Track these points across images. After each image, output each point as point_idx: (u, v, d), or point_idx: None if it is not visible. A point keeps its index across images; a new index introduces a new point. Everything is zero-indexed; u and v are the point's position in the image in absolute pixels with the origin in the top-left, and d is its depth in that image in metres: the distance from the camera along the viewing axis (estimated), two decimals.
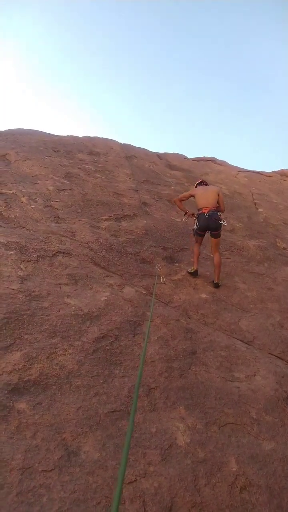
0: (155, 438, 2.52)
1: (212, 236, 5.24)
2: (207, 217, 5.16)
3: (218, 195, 5.44)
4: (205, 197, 5.38)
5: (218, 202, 5.40)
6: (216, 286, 5.19)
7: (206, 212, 5.19)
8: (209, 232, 5.24)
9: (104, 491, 2.08)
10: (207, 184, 5.93)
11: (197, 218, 5.33)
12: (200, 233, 5.31)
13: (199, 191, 5.52)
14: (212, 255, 5.48)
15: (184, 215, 5.74)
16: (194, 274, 5.29)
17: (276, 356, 4.00)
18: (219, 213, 5.26)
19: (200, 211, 5.31)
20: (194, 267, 5.30)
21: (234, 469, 2.41)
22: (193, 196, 5.58)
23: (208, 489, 2.24)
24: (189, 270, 5.34)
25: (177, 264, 5.55)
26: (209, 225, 5.16)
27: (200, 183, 5.94)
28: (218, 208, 5.36)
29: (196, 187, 5.89)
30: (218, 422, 2.78)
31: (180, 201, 5.69)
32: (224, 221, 5.23)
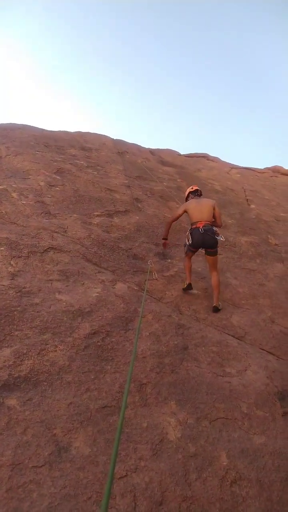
0: (146, 433, 2.52)
1: (208, 254, 4.72)
2: (202, 233, 4.59)
3: (214, 209, 4.93)
4: (199, 210, 4.87)
5: (214, 216, 4.91)
6: (216, 310, 4.56)
7: (201, 227, 4.64)
8: (204, 250, 4.74)
9: (94, 486, 2.08)
10: (201, 194, 5.37)
11: (190, 233, 4.74)
12: (193, 250, 4.77)
13: (192, 204, 4.99)
14: (210, 274, 4.90)
15: (163, 239, 5.32)
16: (188, 288, 4.69)
17: (267, 351, 4.02)
18: (215, 228, 4.75)
19: (194, 226, 4.74)
20: (187, 281, 4.71)
21: (224, 463, 2.42)
22: (186, 211, 5.04)
23: (198, 483, 2.25)
24: (183, 287, 4.75)
25: (169, 260, 5.55)
26: (205, 241, 4.60)
27: (195, 192, 5.35)
28: (213, 223, 4.85)
29: (188, 196, 5.41)
30: (209, 417, 2.80)
31: (173, 221, 5.26)
32: (221, 236, 4.73)
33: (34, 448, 2.19)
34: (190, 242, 4.69)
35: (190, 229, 4.82)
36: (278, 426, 2.87)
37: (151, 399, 2.84)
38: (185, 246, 4.91)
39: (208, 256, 4.74)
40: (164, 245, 5.36)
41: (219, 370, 3.41)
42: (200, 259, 5.82)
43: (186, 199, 5.47)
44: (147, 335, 3.58)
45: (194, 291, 4.85)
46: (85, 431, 2.41)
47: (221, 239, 4.69)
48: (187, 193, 5.50)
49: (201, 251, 5.00)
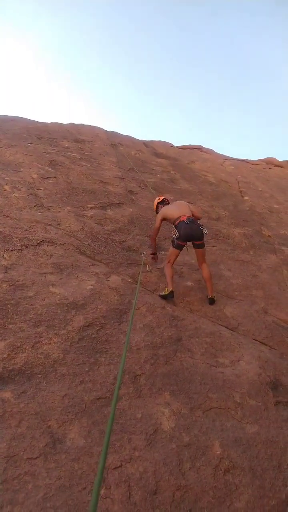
0: (140, 423, 2.54)
1: (196, 247, 4.67)
2: (188, 223, 4.54)
3: (189, 206, 5.00)
4: (177, 209, 4.91)
5: (192, 212, 4.88)
6: (212, 302, 4.55)
7: (185, 219, 4.59)
8: (192, 243, 4.67)
9: (89, 477, 2.10)
10: (168, 203, 5.43)
11: (175, 227, 4.67)
12: (181, 243, 4.59)
13: (167, 208, 5.06)
14: (199, 267, 4.87)
15: (152, 254, 5.23)
16: (170, 296, 4.34)
17: (260, 342, 4.06)
18: (199, 221, 4.76)
19: (178, 220, 4.68)
20: (170, 288, 4.37)
21: (218, 452, 2.46)
22: (164, 218, 5.02)
23: (192, 473, 2.28)
24: (162, 293, 4.39)
25: (163, 253, 5.55)
26: (193, 231, 4.54)
27: (162, 202, 5.43)
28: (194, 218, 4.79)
29: (157, 207, 5.42)
30: (202, 406, 2.83)
31: (157, 235, 5.16)
32: (205, 229, 4.66)
33: (29, 440, 2.20)
34: (177, 235, 4.58)
35: (174, 225, 4.76)
36: (270, 415, 2.91)
37: (145, 390, 2.86)
38: (172, 241, 4.73)
39: (197, 249, 4.71)
40: (153, 259, 5.22)
41: (213, 360, 3.44)
42: (192, 251, 5.82)
43: (156, 211, 5.47)
44: (141, 327, 3.60)
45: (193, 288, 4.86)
46: (79, 422, 2.42)
47: (205, 232, 4.64)
48: (155, 204, 5.51)
49: (185, 251, 4.92)
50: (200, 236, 4.59)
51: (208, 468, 2.34)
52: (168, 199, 5.64)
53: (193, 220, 4.65)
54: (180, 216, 4.71)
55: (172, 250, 4.68)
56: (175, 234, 4.64)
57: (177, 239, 4.59)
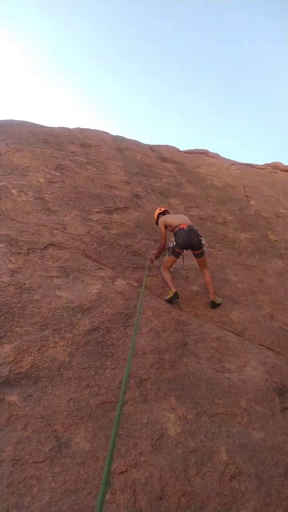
0: (146, 428, 2.53)
1: (196, 256, 4.69)
2: (188, 231, 4.55)
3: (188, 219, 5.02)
4: (178, 217, 4.98)
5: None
6: (214, 305, 4.55)
7: (185, 227, 4.61)
8: (192, 252, 4.69)
9: (95, 481, 2.09)
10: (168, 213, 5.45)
11: (174, 234, 4.70)
12: (178, 251, 4.60)
13: (169, 216, 5.13)
14: (201, 273, 4.86)
15: (152, 254, 5.21)
16: (175, 297, 4.34)
17: (266, 347, 4.04)
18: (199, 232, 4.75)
19: (178, 228, 4.70)
20: (173, 290, 4.36)
21: (224, 458, 2.44)
22: (165, 225, 5.03)
23: (198, 478, 2.27)
24: (167, 297, 4.39)
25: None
26: (191, 239, 4.54)
27: (163, 213, 5.43)
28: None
29: (158, 217, 5.41)
30: (208, 412, 2.81)
31: (165, 242, 5.05)
32: (203, 239, 4.67)
33: (35, 443, 2.20)
34: (175, 243, 4.60)
35: (173, 232, 4.78)
36: (277, 422, 2.89)
37: (151, 394, 2.85)
38: (168, 249, 4.73)
39: (197, 258, 4.72)
40: (151, 259, 5.19)
41: (219, 366, 3.43)
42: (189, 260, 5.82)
43: (156, 222, 5.47)
44: (147, 331, 3.59)
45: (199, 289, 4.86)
46: (85, 426, 2.42)
47: (203, 242, 4.63)
48: (156, 215, 5.51)
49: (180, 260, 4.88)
50: (199, 246, 4.60)
51: (214, 474, 2.32)
52: (169, 211, 5.62)
53: (193, 229, 4.67)
54: (180, 224, 4.74)
55: (168, 258, 4.69)
56: (173, 242, 4.66)
57: (174, 246, 4.59)
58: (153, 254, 5.19)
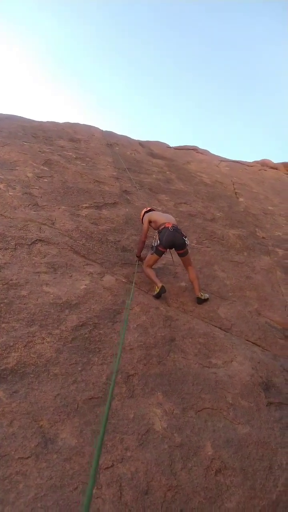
0: (132, 423, 2.54)
1: (180, 255, 4.70)
2: (172, 231, 4.56)
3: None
4: (163, 216, 4.98)
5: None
6: (200, 301, 4.59)
7: (170, 226, 4.62)
8: (175, 251, 4.70)
9: (81, 477, 2.10)
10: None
11: (159, 233, 4.70)
12: (161, 250, 4.58)
13: (155, 213, 5.08)
14: (186, 270, 4.86)
15: (137, 257, 5.08)
16: (163, 291, 4.35)
17: (253, 343, 4.08)
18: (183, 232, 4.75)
19: (162, 227, 4.70)
20: (158, 284, 4.38)
21: (209, 453, 2.46)
22: (150, 221, 5.01)
23: (184, 473, 2.29)
24: (154, 292, 4.42)
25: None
26: (175, 240, 4.54)
27: (149, 211, 5.33)
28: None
29: (143, 215, 5.30)
30: (195, 407, 2.83)
31: (145, 239, 5.05)
32: (187, 239, 4.68)
33: (21, 439, 2.20)
34: (159, 242, 4.58)
35: (158, 231, 4.76)
36: (262, 416, 2.93)
37: (138, 390, 2.86)
38: (152, 248, 4.72)
39: (181, 257, 4.72)
40: (141, 260, 5.12)
41: (206, 361, 3.45)
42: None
43: (142, 221, 5.35)
44: (135, 327, 3.60)
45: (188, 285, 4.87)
46: (71, 422, 2.42)
47: (187, 242, 4.63)
48: (142, 214, 5.42)
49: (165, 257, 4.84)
50: (182, 245, 4.59)
51: (199, 468, 2.34)
52: (156, 210, 5.56)
53: (177, 229, 4.66)
54: (165, 223, 4.73)
55: (150, 256, 4.66)
56: (157, 241, 4.63)
57: (158, 245, 4.58)
58: (137, 257, 5.11)
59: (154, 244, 4.70)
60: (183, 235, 4.65)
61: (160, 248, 4.58)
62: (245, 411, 2.93)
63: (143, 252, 5.25)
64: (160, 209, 5.36)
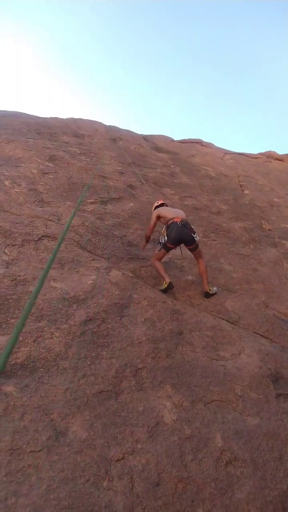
0: (142, 416, 2.56)
1: (190, 250, 4.65)
2: (181, 226, 4.45)
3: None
4: (172, 211, 4.90)
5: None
6: (207, 295, 4.54)
7: (178, 221, 4.50)
8: (186, 246, 4.63)
9: (92, 469, 2.12)
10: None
11: (167, 229, 4.60)
12: (170, 246, 4.52)
13: (164, 208, 5.04)
14: (196, 262, 4.81)
15: (142, 247, 5.19)
16: (170, 287, 4.33)
17: (261, 335, 4.07)
18: (192, 226, 4.67)
19: (171, 221, 4.59)
20: (166, 280, 4.34)
21: (219, 444, 2.47)
22: (158, 216, 4.99)
23: (194, 464, 2.30)
24: (161, 287, 4.39)
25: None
26: (183, 235, 4.45)
27: (160, 205, 5.37)
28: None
29: (154, 209, 5.33)
30: (204, 399, 2.84)
31: (151, 233, 5.08)
32: (197, 235, 4.58)
33: (32, 433, 2.22)
34: (167, 238, 4.51)
35: (166, 226, 4.67)
36: (271, 408, 2.93)
37: (147, 383, 2.88)
38: (159, 244, 4.67)
39: (192, 252, 4.67)
40: (144, 246, 5.21)
41: (214, 354, 3.46)
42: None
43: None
44: (142, 321, 3.61)
45: (193, 278, 4.87)
46: (82, 415, 2.44)
47: (196, 238, 4.55)
48: (154, 207, 5.45)
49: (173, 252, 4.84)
50: (191, 241, 4.52)
51: (209, 460, 2.36)
52: (167, 205, 5.55)
53: (186, 224, 4.57)
54: (174, 217, 4.65)
55: (159, 251, 4.63)
56: (165, 236, 4.56)
57: (166, 241, 4.52)
58: (143, 247, 5.17)
59: (161, 240, 4.65)
60: (192, 231, 4.55)
61: (168, 245, 4.54)
62: (254, 403, 2.94)
63: (149, 246, 5.26)
64: (169, 204, 5.33)
